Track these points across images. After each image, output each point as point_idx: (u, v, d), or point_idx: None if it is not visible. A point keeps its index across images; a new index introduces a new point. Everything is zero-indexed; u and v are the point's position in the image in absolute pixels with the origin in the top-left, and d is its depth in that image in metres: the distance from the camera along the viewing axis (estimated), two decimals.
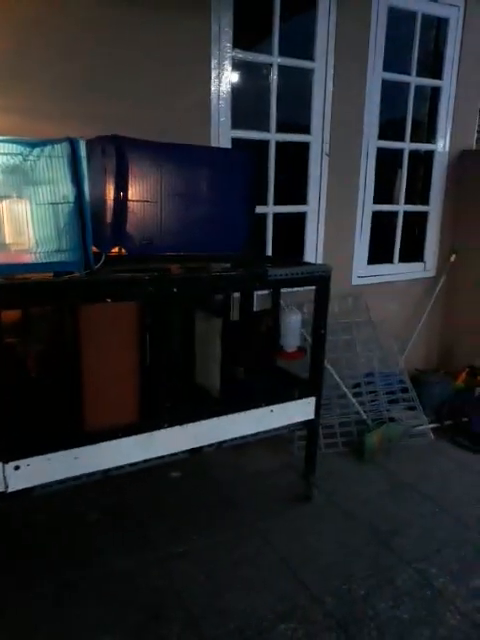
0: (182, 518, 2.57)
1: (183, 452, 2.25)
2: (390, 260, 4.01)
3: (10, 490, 1.96)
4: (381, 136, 3.65)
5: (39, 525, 2.49)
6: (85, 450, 2.04)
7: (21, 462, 1.95)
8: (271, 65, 3.21)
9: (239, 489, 2.83)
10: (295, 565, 2.29)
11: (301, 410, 2.57)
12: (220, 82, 3.02)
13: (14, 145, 1.90)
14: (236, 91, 3.11)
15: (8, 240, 2.02)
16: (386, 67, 3.53)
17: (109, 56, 2.71)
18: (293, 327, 2.63)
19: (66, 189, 1.99)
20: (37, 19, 2.54)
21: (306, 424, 2.64)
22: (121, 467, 2.14)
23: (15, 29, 2.51)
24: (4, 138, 1.89)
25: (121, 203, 2.12)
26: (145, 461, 2.17)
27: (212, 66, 2.98)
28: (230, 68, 3.04)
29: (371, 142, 3.62)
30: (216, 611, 2.05)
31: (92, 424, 2.05)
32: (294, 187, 3.56)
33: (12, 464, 1.94)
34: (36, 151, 1.92)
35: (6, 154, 1.90)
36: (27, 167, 1.93)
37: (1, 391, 1.94)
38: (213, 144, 3.00)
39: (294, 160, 3.54)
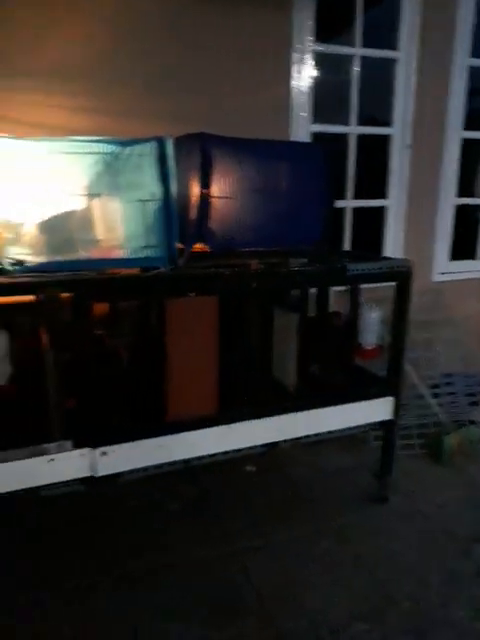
0: (258, 512, 2.60)
1: (260, 446, 2.28)
2: (472, 256, 3.84)
3: (99, 475, 2.06)
4: (467, 126, 3.50)
5: (121, 510, 2.61)
6: (168, 439, 2.11)
7: (108, 448, 2.05)
8: (353, 57, 3.16)
9: (314, 486, 2.82)
10: (371, 565, 2.26)
11: (379, 409, 2.52)
12: (300, 76, 3.00)
13: (106, 145, 1.99)
14: (316, 84, 3.08)
15: (100, 236, 2.12)
16: (474, 53, 3.38)
17: (190, 55, 2.77)
18: (372, 324, 2.59)
19: (154, 187, 2.06)
20: (122, 23, 2.64)
21: (383, 424, 2.59)
22: (201, 457, 2.19)
23: (103, 34, 2.63)
24: (97, 138, 1.98)
25: (205, 200, 2.16)
26: (224, 453, 2.22)
27: (292, 60, 2.97)
28: (310, 61, 3.01)
29: (455, 132, 3.47)
30: (291, 607, 2.06)
31: (175, 414, 2.11)
32: (374, 181, 3.49)
33: (100, 450, 2.04)
34: (127, 150, 2.00)
35: (99, 153, 2.00)
36: (118, 166, 2.02)
37: (92, 380, 2.05)
38: (292, 139, 3.00)
39: (374, 153, 3.46)
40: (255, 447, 2.28)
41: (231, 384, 2.18)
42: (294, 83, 2.99)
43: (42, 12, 2.51)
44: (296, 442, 2.36)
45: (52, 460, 1.99)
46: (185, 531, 2.47)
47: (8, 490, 1.97)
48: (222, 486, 2.80)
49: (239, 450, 2.24)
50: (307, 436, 2.38)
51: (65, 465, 2.02)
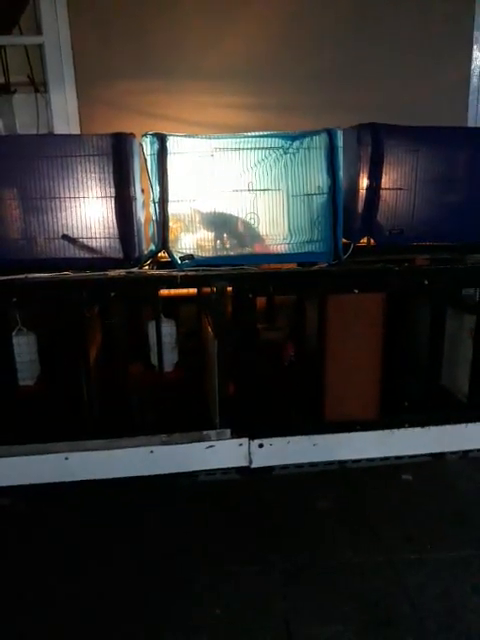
0: (414, 525, 2.42)
1: (424, 456, 2.13)
2: None
3: (253, 466, 2.09)
4: None
5: (273, 504, 2.62)
6: (324, 438, 2.08)
7: (265, 441, 2.07)
8: None
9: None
10: None
11: None
12: None
13: (276, 139, 1.99)
14: None
15: (263, 231, 2.13)
16: None
17: (361, 45, 2.68)
18: None
19: (321, 180, 2.02)
20: (286, 22, 2.64)
21: None
22: (358, 461, 2.12)
23: (267, 33, 2.65)
24: (267, 133, 1.99)
25: (374, 192, 2.06)
26: (382, 459, 2.11)
27: (474, 45, 2.72)
28: None
29: None
30: (451, 630, 1.89)
31: (332, 414, 2.06)
32: None
33: (257, 442, 2.07)
34: (296, 144, 1.98)
35: (268, 148, 2.01)
36: (286, 160, 2.01)
37: (252, 373, 2.08)
38: (471, 125, 2.75)
39: None
40: (417, 456, 2.14)
41: (395, 388, 2.06)
42: (475, 67, 2.74)
43: (208, 17, 2.61)
44: (464, 455, 2.17)
45: (211, 447, 2.07)
46: (335, 532, 2.40)
47: (171, 471, 2.09)
48: (375, 492, 2.67)
49: (400, 457, 2.12)
50: (478, 450, 2.17)
51: (223, 453, 2.09)
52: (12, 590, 1.96)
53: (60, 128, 2.60)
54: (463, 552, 2.26)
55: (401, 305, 2.06)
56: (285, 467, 2.12)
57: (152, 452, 2.04)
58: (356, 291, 1.98)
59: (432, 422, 2.08)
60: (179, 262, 2.02)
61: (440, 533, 2.38)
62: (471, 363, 2.10)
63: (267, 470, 2.11)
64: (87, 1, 2.49)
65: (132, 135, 1.94)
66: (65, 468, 2.02)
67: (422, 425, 2.08)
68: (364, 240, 2.22)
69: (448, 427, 2.10)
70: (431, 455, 2.14)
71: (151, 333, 2.16)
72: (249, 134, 2.03)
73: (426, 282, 1.97)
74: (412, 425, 2.08)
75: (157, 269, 2.07)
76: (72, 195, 1.91)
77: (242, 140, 2.02)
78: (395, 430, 2.06)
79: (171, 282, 1.96)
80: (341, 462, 2.11)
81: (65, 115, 2.59)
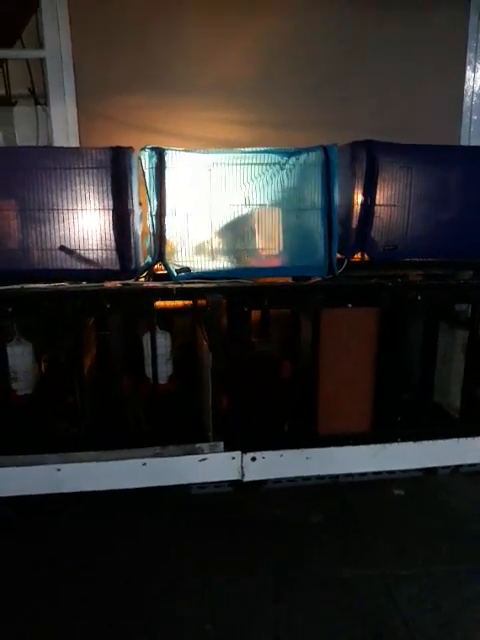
0: (406, 539, 2.43)
1: (416, 470, 2.14)
2: None
3: (245, 479, 2.09)
4: None
5: (265, 517, 2.61)
6: (316, 452, 2.08)
7: (257, 454, 2.07)
8: None
9: (472, 520, 2.57)
10: None
11: None
12: (475, 77, 2.80)
13: (273, 155, 2.02)
14: None
15: (259, 245, 2.16)
16: None
17: (357, 65, 2.73)
18: None
19: (316, 196, 2.05)
20: (282, 38, 2.69)
21: None
22: (350, 475, 2.12)
23: (265, 49, 2.69)
24: (264, 149, 2.03)
25: (368, 208, 2.09)
26: (375, 473, 2.12)
27: (467, 61, 2.78)
28: None
29: None
30: None
31: (325, 427, 2.07)
32: None
33: (249, 455, 2.07)
34: (292, 159, 2.02)
35: (265, 164, 2.04)
36: (282, 175, 2.04)
37: (246, 385, 2.08)
38: (464, 143, 2.80)
39: None
40: (409, 471, 2.14)
41: (388, 402, 2.07)
42: (468, 85, 2.80)
43: (207, 34, 2.65)
44: (456, 470, 2.18)
45: (204, 460, 2.07)
46: (326, 546, 2.40)
47: (163, 484, 2.08)
48: (368, 506, 2.67)
49: (392, 472, 2.13)
50: (471, 465, 2.17)
51: (216, 466, 2.08)
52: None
53: (60, 140, 2.63)
54: (455, 566, 2.27)
55: (394, 320, 2.08)
56: (278, 481, 2.11)
57: (145, 464, 2.04)
58: (350, 305, 2.00)
59: (424, 437, 2.09)
60: (175, 274, 2.03)
61: (432, 547, 2.38)
62: (463, 378, 2.12)
63: (260, 484, 2.11)
64: (88, 17, 2.53)
65: (131, 149, 1.96)
66: (57, 479, 2.01)
67: (414, 440, 2.09)
68: (358, 255, 2.25)
69: (440, 442, 2.11)
70: (423, 470, 2.14)
71: (146, 345, 2.17)
72: (246, 150, 2.06)
73: (419, 297, 1.99)
74: (404, 439, 2.09)
75: (153, 281, 2.08)
76: (70, 207, 1.93)
77: (239, 155, 2.06)
78: (387, 444, 2.07)
79: (167, 294, 1.97)
80: (334, 476, 2.11)
81: (65, 128, 2.61)
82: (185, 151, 2.03)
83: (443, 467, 2.15)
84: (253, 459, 2.07)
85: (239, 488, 2.12)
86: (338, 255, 2.11)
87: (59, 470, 2.00)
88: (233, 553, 2.36)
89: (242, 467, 2.07)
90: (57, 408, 2.14)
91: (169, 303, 2.12)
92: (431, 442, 2.10)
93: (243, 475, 2.09)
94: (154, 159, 1.95)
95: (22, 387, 2.16)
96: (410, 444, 2.09)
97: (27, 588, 2.03)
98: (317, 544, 2.41)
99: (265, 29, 2.69)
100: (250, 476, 2.09)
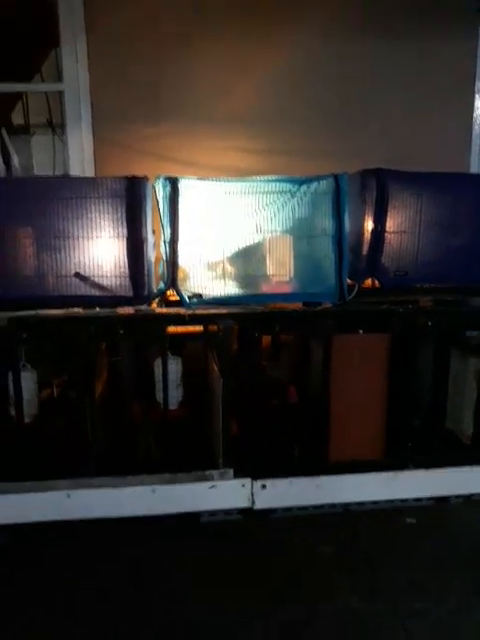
0: (418, 570, 2.37)
1: (428, 499, 2.11)
2: None
3: (256, 507, 2.07)
4: None
5: (275, 547, 2.56)
6: (328, 480, 2.06)
7: (268, 482, 2.05)
8: None
9: None
10: None
11: None
12: None
13: (284, 183, 2.06)
14: None
15: (270, 272, 2.18)
16: None
17: (367, 94, 2.79)
18: None
19: (326, 223, 2.07)
20: (295, 70, 2.75)
21: None
22: (362, 503, 2.09)
23: (277, 81, 2.76)
24: (276, 177, 2.06)
25: (378, 235, 2.11)
26: (387, 502, 2.09)
27: (476, 89, 2.83)
28: None
29: None
30: None
31: (336, 455, 2.05)
32: None
33: (260, 482, 2.05)
34: (303, 188, 2.05)
35: (276, 192, 2.07)
36: (294, 203, 2.07)
37: (256, 411, 2.08)
38: (473, 170, 2.83)
39: None
40: (422, 499, 2.11)
41: (400, 429, 2.06)
42: (477, 114, 2.84)
43: (220, 66, 2.73)
44: (468, 499, 2.14)
45: (214, 487, 2.05)
46: (337, 577, 2.34)
47: (173, 511, 2.06)
48: (379, 536, 2.61)
49: (404, 500, 2.10)
50: None
51: (226, 493, 2.07)
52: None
53: (75, 169, 2.69)
54: (468, 599, 2.21)
55: (405, 346, 2.08)
56: (288, 509, 2.09)
57: (154, 491, 2.03)
58: (361, 331, 2.01)
59: (436, 464, 2.07)
60: (188, 300, 2.05)
61: (445, 579, 2.32)
62: (475, 405, 2.10)
63: (270, 512, 2.09)
64: (106, 51, 2.62)
65: (145, 178, 2.00)
66: (67, 506, 2.01)
67: (426, 467, 2.06)
68: (369, 281, 2.26)
69: (453, 470, 2.08)
70: (435, 499, 2.11)
71: (157, 370, 2.18)
72: (258, 178, 2.10)
73: (429, 323, 1.99)
74: (417, 467, 2.06)
75: (166, 307, 2.11)
76: (85, 235, 1.97)
77: (252, 184, 2.09)
78: (399, 472, 2.05)
79: (179, 320, 1.99)
80: (346, 505, 2.08)
81: (81, 157, 2.68)
82: (198, 179, 2.07)
83: (456, 496, 2.11)
84: (263, 486, 2.05)
85: (249, 516, 2.09)
86: (349, 281, 2.13)
87: (69, 496, 2.00)
88: (241, 583, 2.32)
89: (252, 494, 2.06)
90: (66, 433, 2.14)
91: (180, 328, 2.14)
92: (443, 470, 2.07)
93: (254, 503, 2.06)
94: (168, 188, 1.99)
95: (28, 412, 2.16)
96: (422, 472, 2.06)
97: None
98: (327, 575, 2.37)
99: (276, 61, 2.76)
100: (260, 504, 2.07)
